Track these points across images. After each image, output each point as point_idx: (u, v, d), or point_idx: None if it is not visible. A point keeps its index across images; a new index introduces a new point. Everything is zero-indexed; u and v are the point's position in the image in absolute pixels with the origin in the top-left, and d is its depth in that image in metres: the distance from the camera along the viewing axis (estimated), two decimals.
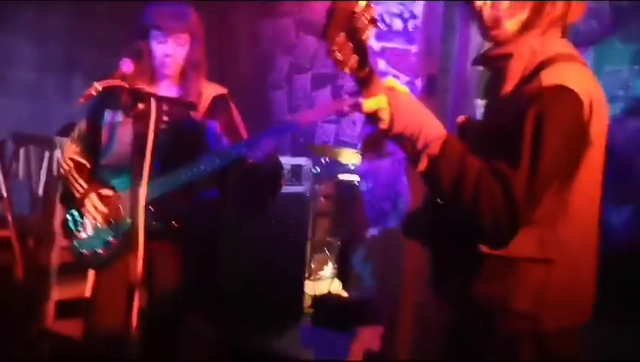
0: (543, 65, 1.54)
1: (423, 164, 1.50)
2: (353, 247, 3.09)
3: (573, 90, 1.48)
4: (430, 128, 1.50)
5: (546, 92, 1.48)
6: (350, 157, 5.05)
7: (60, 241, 4.06)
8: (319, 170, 5.03)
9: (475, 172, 1.45)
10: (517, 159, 1.45)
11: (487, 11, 1.58)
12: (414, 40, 2.79)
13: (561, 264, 1.55)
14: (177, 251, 2.69)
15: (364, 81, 1.49)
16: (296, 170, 4.95)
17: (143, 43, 2.63)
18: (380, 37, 2.87)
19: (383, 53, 2.87)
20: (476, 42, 2.84)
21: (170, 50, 2.63)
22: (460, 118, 1.72)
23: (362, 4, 1.42)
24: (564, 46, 1.61)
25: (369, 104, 1.50)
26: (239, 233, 4.04)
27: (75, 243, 2.71)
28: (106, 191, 2.68)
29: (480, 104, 5.24)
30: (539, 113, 1.46)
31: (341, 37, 1.41)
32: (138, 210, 2.35)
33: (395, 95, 1.50)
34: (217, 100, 2.76)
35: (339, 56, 1.43)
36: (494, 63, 1.63)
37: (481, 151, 1.51)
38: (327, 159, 5.16)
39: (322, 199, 4.99)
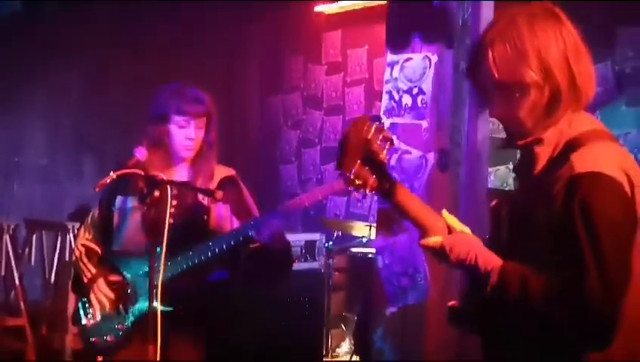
0: (572, 147, 1.57)
1: (487, 293, 1.56)
2: (370, 323, 3.05)
3: (609, 176, 1.50)
4: (484, 261, 1.56)
5: (583, 181, 1.50)
6: (362, 230, 5.05)
7: (73, 328, 4.02)
8: (332, 244, 5.02)
9: (539, 291, 1.50)
10: (579, 265, 1.47)
11: (502, 112, 1.63)
12: (424, 115, 2.83)
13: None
14: (190, 333, 2.65)
15: (388, 193, 1.57)
16: (310, 245, 4.94)
17: (162, 128, 2.67)
18: (389, 113, 2.91)
19: (393, 128, 2.90)
20: (485, 115, 2.87)
21: (193, 134, 2.67)
22: (493, 202, 1.75)
23: (373, 128, 1.50)
24: (589, 122, 1.64)
25: (427, 243, 1.59)
26: (254, 312, 4.00)
27: (84, 330, 2.68)
28: (114, 277, 2.67)
29: (491, 171, 5.27)
30: (584, 208, 1.49)
31: (357, 165, 1.50)
32: (153, 295, 2.33)
33: (451, 237, 1.59)
34: (226, 181, 2.77)
35: (357, 182, 1.52)
36: (521, 148, 1.67)
37: (514, 232, 1.57)
38: (339, 233, 5.17)
39: (336, 273, 4.97)
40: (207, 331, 2.68)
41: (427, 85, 2.84)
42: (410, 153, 2.88)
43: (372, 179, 1.53)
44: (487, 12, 2.98)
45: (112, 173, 2.44)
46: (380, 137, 1.52)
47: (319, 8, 6.35)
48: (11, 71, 5.41)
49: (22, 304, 4.78)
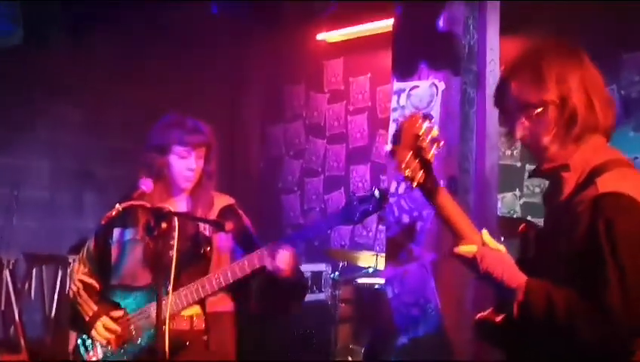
0: (597, 172, 1.70)
1: (515, 311, 1.65)
2: (378, 355, 3.02)
3: (631, 196, 1.63)
4: (511, 277, 1.67)
5: (607, 200, 1.63)
6: (368, 259, 5.02)
7: None
8: (338, 275, 4.99)
9: (564, 306, 1.60)
10: (602, 280, 1.59)
11: (526, 138, 1.77)
12: None
13: None
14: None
15: (430, 192, 1.71)
16: (316, 276, 4.91)
17: (163, 160, 2.66)
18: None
19: None
20: (493, 142, 2.88)
21: (194, 165, 2.67)
22: (522, 227, 1.86)
23: (424, 126, 1.63)
24: (611, 151, 1.78)
25: (460, 250, 1.70)
26: (261, 345, 3.97)
27: None
28: (116, 313, 2.65)
29: (498, 198, 5.27)
30: (607, 225, 1.60)
31: (409, 156, 1.63)
32: (163, 328, 2.32)
33: (484, 249, 1.69)
34: (226, 210, 2.76)
35: (408, 172, 1.64)
36: (550, 174, 1.80)
37: (541, 254, 1.71)
38: (345, 263, 5.14)
39: (342, 304, 4.92)
40: None
41: (435, 112, 2.85)
42: None
43: (420, 174, 1.65)
44: (493, 38, 3.00)
45: (117, 205, 2.45)
46: (429, 137, 1.64)
47: (321, 36, 6.39)
48: (11, 104, 5.43)
49: (21, 340, 4.75)
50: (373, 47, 5.89)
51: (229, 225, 2.38)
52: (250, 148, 7.05)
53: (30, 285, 5.21)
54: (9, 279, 4.88)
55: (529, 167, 5.19)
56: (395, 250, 2.94)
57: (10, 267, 4.90)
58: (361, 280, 4.92)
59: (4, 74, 5.17)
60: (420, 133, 1.64)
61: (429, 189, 1.71)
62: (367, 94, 6.35)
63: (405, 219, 2.89)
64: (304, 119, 6.76)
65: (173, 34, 5.83)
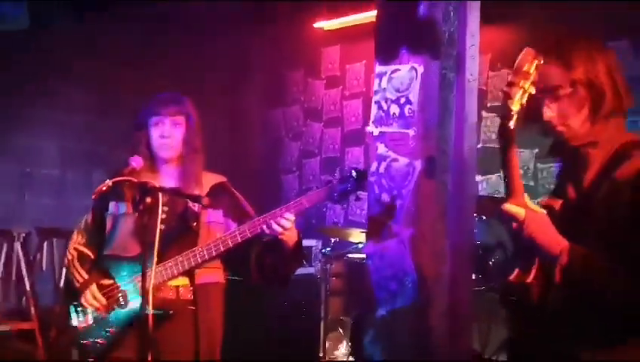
0: (630, 148, 1.69)
1: (557, 274, 1.62)
2: (364, 327, 2.99)
3: None
4: (552, 243, 1.63)
5: None
6: (359, 236, 5.00)
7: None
8: (330, 251, 4.97)
9: (607, 269, 1.59)
10: None
11: (554, 120, 1.74)
12: (411, 124, 2.78)
13: None
14: (182, 335, 2.60)
15: (511, 138, 1.67)
16: (306, 251, 4.89)
17: (141, 133, 2.65)
18: (378, 122, 2.86)
19: (382, 137, 2.86)
20: (471, 126, 2.81)
21: (167, 131, 2.63)
22: (546, 201, 1.82)
23: (534, 66, 1.60)
24: (630, 133, 1.77)
25: (510, 209, 1.65)
26: (252, 316, 3.95)
27: (77, 333, 2.63)
28: (106, 281, 2.61)
29: (480, 180, 5.22)
30: None
31: (520, 93, 1.62)
32: (146, 296, 2.29)
33: (530, 212, 1.65)
34: (217, 188, 2.74)
35: (515, 106, 1.61)
36: (573, 151, 1.77)
37: (570, 229, 1.65)
38: (336, 239, 5.12)
39: (333, 278, 4.92)
40: (202, 333, 2.63)
41: (414, 95, 2.79)
42: (398, 161, 2.82)
43: (516, 115, 1.63)
44: (473, 25, 2.93)
45: (107, 180, 2.43)
46: (532, 79, 1.62)
47: (318, 24, 6.34)
48: (22, 85, 5.40)
49: (32, 308, 4.76)
50: (368, 35, 5.72)
51: (205, 200, 2.36)
52: (252, 131, 7.04)
53: (42, 257, 5.21)
54: (20, 251, 4.88)
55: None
56: (376, 227, 2.89)
57: (21, 240, 4.89)
58: (351, 256, 4.91)
59: (14, 57, 5.14)
60: (531, 72, 1.61)
61: (511, 135, 1.67)
62: (362, 80, 6.31)
63: (385, 197, 2.84)
64: (302, 103, 6.73)
65: (177, 22, 5.79)
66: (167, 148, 2.65)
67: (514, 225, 1.65)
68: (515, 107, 1.61)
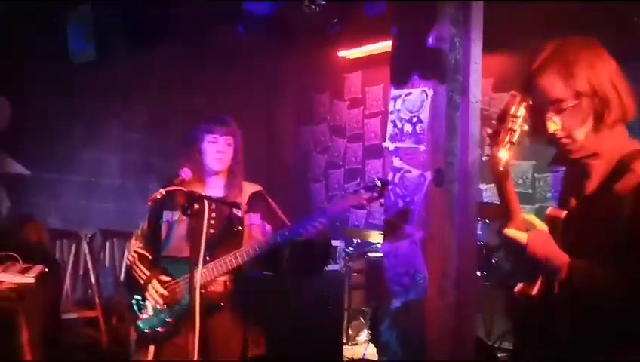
0: (631, 160, 1.50)
1: (556, 288, 1.49)
2: (381, 316, 3.01)
3: None
4: (553, 259, 1.48)
5: None
6: (378, 237, 5.00)
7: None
8: (352, 250, 4.98)
9: (606, 287, 1.44)
10: None
11: (558, 133, 1.54)
12: (422, 140, 2.79)
13: None
14: (231, 323, 2.65)
15: (503, 177, 1.47)
16: (332, 250, 4.91)
17: (195, 147, 2.70)
18: (393, 139, 2.89)
19: (396, 152, 2.88)
20: (475, 141, 2.82)
21: (222, 148, 2.69)
22: (550, 210, 1.65)
23: (522, 110, 1.42)
24: (633, 142, 1.58)
25: (512, 234, 1.49)
26: (285, 307, 3.97)
27: (139, 322, 2.68)
28: (165, 278, 2.65)
29: (483, 188, 5.19)
30: None
31: (508, 137, 1.43)
32: (195, 292, 2.33)
33: (531, 235, 1.50)
34: (255, 196, 2.78)
35: (502, 154, 1.43)
36: (575, 162, 1.58)
37: (572, 242, 1.51)
38: (358, 240, 5.13)
39: (355, 274, 4.93)
40: (246, 321, 2.67)
41: (425, 115, 2.81)
42: (411, 172, 2.85)
43: (507, 157, 1.45)
44: (476, 53, 2.95)
45: (161, 189, 2.47)
46: (521, 120, 1.43)
47: (342, 53, 6.38)
48: (90, 108, 5.53)
49: (97, 299, 4.84)
50: (385, 62, 5.79)
51: (243, 206, 2.39)
52: (285, 146, 7.09)
53: (104, 255, 5.30)
54: (87, 249, 4.97)
55: (514, 162, 5.09)
56: (391, 229, 2.92)
57: (87, 240, 4.99)
58: (371, 254, 4.91)
59: (84, 84, 5.26)
60: (518, 115, 1.42)
61: (503, 175, 1.47)
62: (380, 101, 6.32)
63: (400, 203, 2.86)
64: (328, 122, 6.78)
65: (220, 49, 5.86)
66: (220, 162, 2.71)
67: (513, 247, 1.50)
68: (503, 154, 1.43)
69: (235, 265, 2.59)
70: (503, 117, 1.44)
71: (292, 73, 6.83)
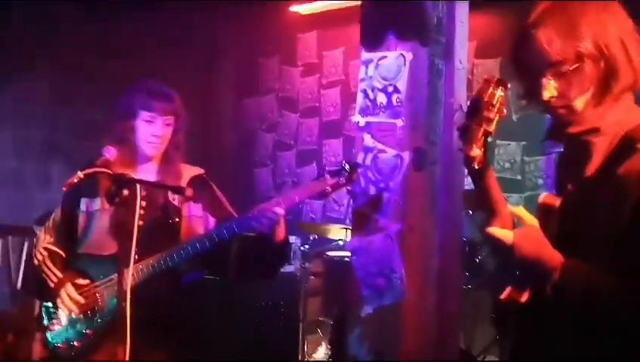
0: (638, 136, 1.49)
1: (548, 293, 1.48)
2: (347, 327, 3.05)
3: None
4: (545, 260, 1.48)
5: None
6: (339, 233, 5.05)
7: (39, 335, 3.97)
8: (308, 248, 5.02)
9: (606, 291, 1.45)
10: None
11: (555, 101, 1.53)
12: (399, 114, 2.83)
13: None
14: (161, 337, 2.64)
15: (480, 174, 1.48)
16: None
17: (128, 125, 2.66)
18: (364, 112, 2.92)
19: (368, 127, 2.91)
20: (460, 113, 2.88)
21: (160, 131, 2.66)
22: (543, 198, 1.67)
23: (499, 95, 1.42)
24: None
25: (496, 233, 1.49)
26: (228, 316, 3.99)
27: (49, 336, 2.65)
28: (82, 281, 2.63)
29: (466, 173, 5.30)
30: None
31: (479, 132, 1.43)
32: (123, 297, 2.31)
33: (518, 233, 1.50)
34: (196, 181, 2.77)
35: (475, 152, 1.43)
36: (573, 139, 1.58)
37: (568, 233, 1.52)
38: (315, 236, 5.17)
39: (312, 277, 4.97)
40: (178, 335, 2.67)
41: (402, 84, 2.85)
42: (386, 152, 2.89)
43: (482, 152, 1.44)
44: (462, 11, 3.00)
45: (79, 172, 2.43)
46: (497, 107, 1.43)
47: (295, 8, 6.36)
48: None
49: None
50: (347, 20, 5.88)
51: (188, 191, 2.38)
52: (224, 121, 7.06)
53: None
54: None
55: (499, 142, 5.23)
56: (362, 221, 2.95)
57: None
58: (331, 253, 4.97)
59: None
60: (494, 103, 1.42)
61: (481, 169, 1.46)
62: (340, 68, 6.37)
63: (372, 190, 2.90)
64: (277, 92, 6.77)
65: (147, 6, 5.76)
66: (156, 148, 2.68)
67: (499, 248, 1.49)
68: (476, 152, 1.43)
69: (169, 265, 2.58)
70: (476, 107, 1.44)
71: (233, 32, 6.78)
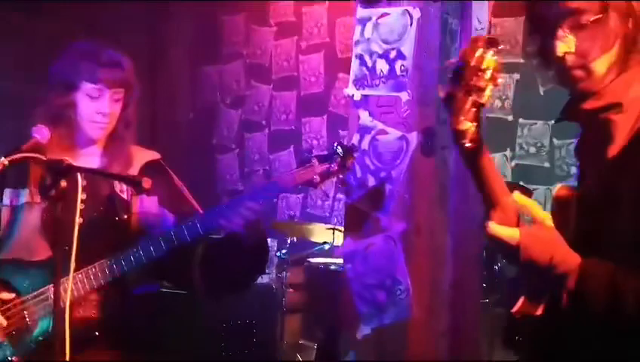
0: None
1: (564, 301, 1.52)
2: (336, 352, 3.07)
3: None
4: (560, 262, 1.51)
5: None
6: (324, 234, 5.05)
7: None
8: (286, 254, 5.02)
9: (634, 291, 1.47)
10: None
11: (571, 59, 1.58)
12: (404, 86, 2.84)
13: None
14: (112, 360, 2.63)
15: (474, 151, 1.53)
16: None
17: (67, 99, 2.63)
18: (360, 83, 2.93)
19: (365, 102, 2.92)
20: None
21: (107, 108, 2.64)
22: (558, 189, 1.72)
23: (489, 57, 1.46)
24: None
25: (498, 231, 1.52)
26: (189, 337, 3.99)
27: None
28: (5, 295, 2.61)
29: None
30: None
31: (469, 102, 1.46)
32: (59, 316, 2.30)
33: (526, 231, 1.52)
34: (150, 168, 2.76)
35: (464, 126, 1.46)
36: (592, 117, 1.63)
37: (589, 227, 1.57)
38: (294, 238, 5.17)
39: (290, 290, 4.98)
40: (132, 354, 2.67)
41: (408, 48, 2.87)
42: (387, 133, 2.90)
43: (474, 127, 1.47)
44: None
45: (3, 158, 2.41)
46: (490, 73, 1.46)
47: None
48: None
49: None
50: None
51: (146, 182, 2.37)
52: (177, 95, 7.03)
53: None
54: None
55: (523, 121, 5.26)
56: (357, 220, 2.97)
57: None
58: (314, 260, 4.99)
59: None
60: (483, 68, 1.46)
61: (473, 148, 1.49)
62: (324, 28, 6.37)
63: (370, 180, 2.91)
64: (244, 59, 6.76)
65: None
66: (102, 128, 2.67)
67: (503, 248, 1.52)
68: (465, 126, 1.47)
69: (116, 274, 2.57)
70: (462, 73, 1.48)
71: None
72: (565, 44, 1.56)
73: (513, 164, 5.27)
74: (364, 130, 2.95)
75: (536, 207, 1.57)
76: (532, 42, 1.67)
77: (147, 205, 2.72)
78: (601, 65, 1.56)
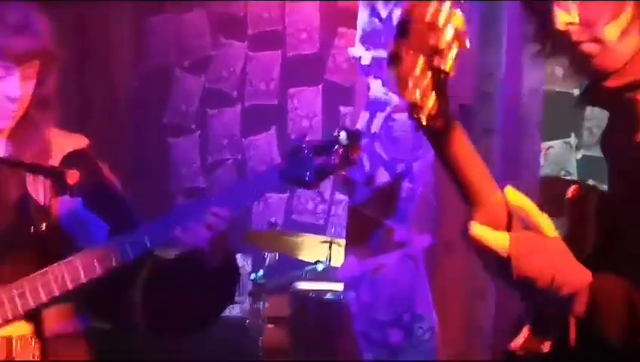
0: None
1: (572, 332, 1.56)
2: None
3: None
4: (565, 281, 1.54)
5: None
6: (316, 249, 5.06)
7: None
8: (263, 276, 5.04)
9: None
10: None
11: (576, 31, 1.65)
12: None
13: None
14: None
15: (439, 131, 1.53)
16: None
17: None
18: (369, 40, 2.93)
19: (376, 67, 2.92)
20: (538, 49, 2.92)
21: (16, 91, 2.65)
22: (572, 190, 1.75)
23: (447, 9, 1.43)
24: None
25: (481, 236, 1.53)
26: None
27: None
28: None
29: (543, 148, 5.33)
30: None
31: (420, 65, 1.45)
32: None
33: (518, 236, 1.55)
34: (73, 159, 2.77)
35: (417, 96, 1.45)
36: (616, 98, 1.70)
37: (609, 232, 1.65)
38: (275, 255, 5.18)
39: (270, 326, 5.00)
40: None
41: None
42: (403, 112, 2.90)
43: (432, 100, 1.45)
44: None
45: None
46: (452, 32, 1.45)
47: None
48: None
49: None
50: None
51: (72, 176, 2.38)
52: (116, 56, 7.08)
53: None
54: None
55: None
56: (363, 231, 2.98)
57: None
58: (302, 286, 5.00)
59: None
60: (440, 24, 1.45)
61: (438, 127, 1.52)
62: None
63: (382, 176, 2.92)
64: (208, 6, 6.81)
65: None
66: (10, 116, 2.68)
67: (487, 260, 1.57)
68: (415, 96, 1.48)
69: (32, 304, 2.58)
70: (407, 26, 1.48)
71: None
72: (566, 15, 1.64)
73: (579, 155, 5.28)
74: (375, 106, 2.96)
75: (534, 210, 1.59)
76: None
77: (70, 210, 2.73)
78: (612, 31, 1.64)
